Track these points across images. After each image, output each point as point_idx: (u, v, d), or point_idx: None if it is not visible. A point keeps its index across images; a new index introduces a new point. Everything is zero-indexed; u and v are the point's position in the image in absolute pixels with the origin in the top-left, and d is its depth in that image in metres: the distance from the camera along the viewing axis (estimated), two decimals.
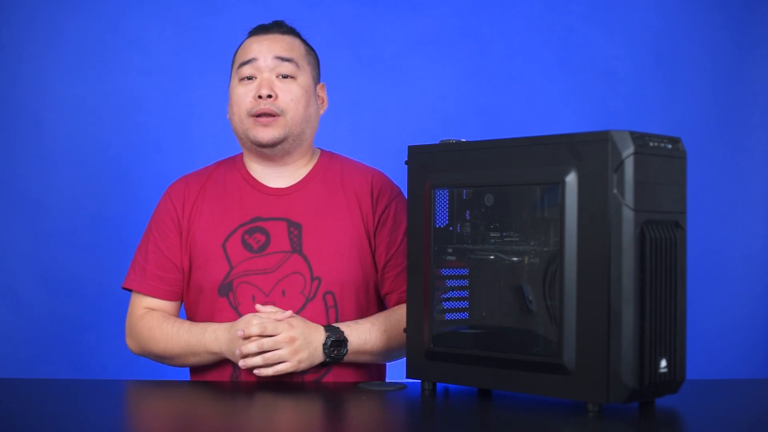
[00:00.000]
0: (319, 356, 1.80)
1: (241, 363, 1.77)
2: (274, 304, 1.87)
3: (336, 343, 1.81)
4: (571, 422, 1.45)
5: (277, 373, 1.76)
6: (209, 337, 1.84)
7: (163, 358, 1.94)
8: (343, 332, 1.83)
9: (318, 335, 1.81)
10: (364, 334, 1.86)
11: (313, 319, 1.86)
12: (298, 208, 1.95)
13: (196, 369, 1.95)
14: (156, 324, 1.91)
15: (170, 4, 3.00)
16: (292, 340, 1.76)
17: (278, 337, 1.76)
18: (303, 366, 1.78)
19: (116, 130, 2.96)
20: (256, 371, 1.77)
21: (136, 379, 2.01)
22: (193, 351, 1.87)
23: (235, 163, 2.04)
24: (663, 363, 1.46)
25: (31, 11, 2.93)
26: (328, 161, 2.04)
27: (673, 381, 1.50)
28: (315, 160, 2.03)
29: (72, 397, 1.75)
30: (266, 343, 1.75)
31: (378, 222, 1.97)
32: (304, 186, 1.99)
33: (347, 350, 1.83)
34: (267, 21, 2.06)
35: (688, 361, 1.52)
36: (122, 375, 2.70)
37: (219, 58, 2.92)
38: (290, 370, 1.77)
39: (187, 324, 1.90)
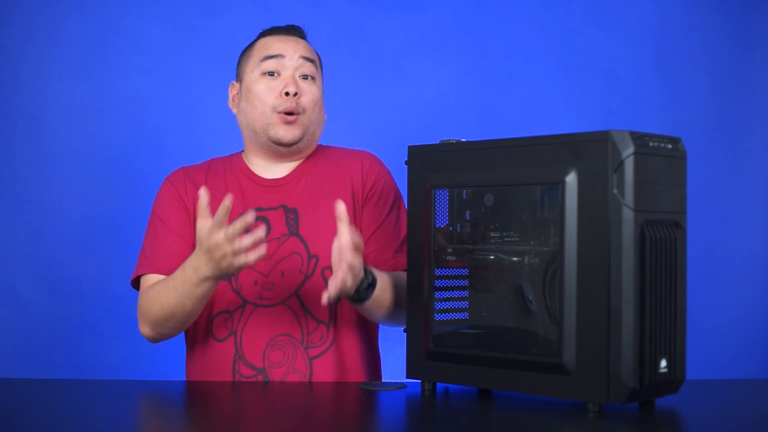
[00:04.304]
0: (352, 290, 1.73)
1: (342, 247, 1.62)
2: (273, 285, 1.88)
3: (369, 286, 1.76)
4: (571, 422, 1.45)
5: (340, 283, 1.65)
6: (189, 271, 1.75)
7: (166, 320, 1.85)
8: (376, 278, 1.78)
9: (362, 271, 1.74)
10: (383, 284, 1.82)
11: (314, 295, 1.88)
12: (294, 195, 1.98)
13: (194, 366, 1.95)
14: (148, 292, 1.87)
15: (171, 4, 3.00)
16: (361, 263, 1.70)
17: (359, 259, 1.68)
18: (345, 289, 1.70)
19: (116, 130, 2.96)
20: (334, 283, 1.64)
21: (136, 379, 2.01)
22: (183, 294, 1.78)
23: (233, 159, 2.06)
24: (663, 363, 1.46)
25: (31, 11, 2.93)
26: (319, 151, 2.07)
27: (673, 381, 1.50)
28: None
29: (72, 397, 1.75)
30: (355, 260, 1.65)
31: (365, 198, 1.99)
32: (299, 175, 2.01)
33: (373, 295, 1.79)
34: (267, 21, 2.07)
35: (688, 361, 1.52)
36: (122, 375, 2.71)
37: (219, 58, 2.93)
38: (346, 285, 1.67)
39: (170, 276, 1.84)
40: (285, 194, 1.98)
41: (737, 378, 2.78)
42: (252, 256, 1.63)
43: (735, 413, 1.59)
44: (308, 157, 2.04)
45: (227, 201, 1.61)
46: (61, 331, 2.90)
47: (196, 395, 1.78)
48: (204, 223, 1.67)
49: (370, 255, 1.98)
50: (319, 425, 1.53)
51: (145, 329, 1.92)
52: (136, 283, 1.97)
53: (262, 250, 1.62)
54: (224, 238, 1.63)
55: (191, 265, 1.75)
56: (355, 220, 1.97)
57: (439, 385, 1.71)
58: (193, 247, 1.94)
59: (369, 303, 1.79)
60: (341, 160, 2.04)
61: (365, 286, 1.75)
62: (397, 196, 2.02)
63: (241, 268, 1.67)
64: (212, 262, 1.68)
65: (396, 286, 1.88)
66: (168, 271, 1.90)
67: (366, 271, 1.76)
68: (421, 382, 1.69)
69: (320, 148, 2.08)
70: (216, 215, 1.63)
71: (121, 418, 1.60)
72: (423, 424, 1.55)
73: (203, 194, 1.66)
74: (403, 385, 1.74)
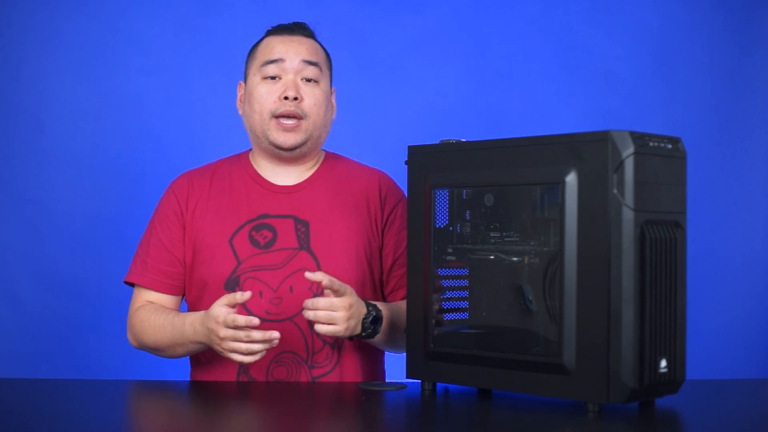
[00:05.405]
0: (358, 329, 1.79)
1: (311, 314, 1.73)
2: (281, 300, 1.88)
3: (375, 319, 1.81)
4: (571, 422, 1.45)
5: (329, 334, 1.75)
6: (188, 329, 1.82)
7: (156, 350, 1.94)
8: (381, 310, 1.83)
9: (362, 308, 1.81)
10: (387, 318, 1.86)
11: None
12: (306, 205, 1.96)
13: (199, 369, 1.96)
14: (147, 316, 1.92)
15: (170, 4, 3.00)
16: (349, 306, 1.75)
17: (337, 302, 1.74)
18: (347, 334, 1.77)
19: (116, 130, 2.95)
20: (317, 327, 1.74)
21: (136, 379, 2.01)
22: (178, 342, 1.86)
23: (240, 160, 2.04)
24: (663, 363, 1.46)
25: (31, 11, 2.93)
26: (333, 161, 2.06)
27: (673, 381, 1.50)
28: (321, 161, 2.05)
29: (72, 397, 1.75)
30: (321, 302, 1.73)
31: (386, 222, 1.99)
32: (311, 184, 2.00)
33: (381, 329, 1.83)
34: (267, 21, 2.06)
35: (688, 361, 1.52)
36: (122, 375, 2.70)
37: (219, 57, 2.93)
38: (339, 334, 1.75)
39: (172, 315, 1.89)
40: (296, 203, 1.96)
41: (737, 378, 2.78)
42: (239, 358, 1.71)
43: (735, 413, 1.59)
44: (320, 166, 2.03)
45: (247, 295, 1.70)
46: (61, 331, 2.90)
47: (196, 395, 1.78)
48: (222, 307, 1.71)
49: (392, 281, 2.00)
50: (319, 425, 1.53)
51: (132, 340, 1.99)
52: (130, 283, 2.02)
53: (258, 357, 1.72)
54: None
55: (191, 324, 1.81)
56: (365, 236, 1.96)
57: (439, 385, 1.71)
58: (181, 262, 1.95)
59: (377, 337, 1.84)
60: (357, 175, 2.03)
61: (370, 321, 1.80)
62: None
63: (215, 346, 1.76)
64: (208, 339, 1.76)
65: (398, 316, 1.88)
66: (157, 287, 1.96)
67: (369, 306, 1.81)
68: (421, 382, 1.69)
69: (332, 158, 2.07)
70: (228, 298, 1.70)
71: (121, 418, 1.61)
72: (423, 424, 1.55)
73: (247, 295, 1.71)
74: (403, 385, 1.74)
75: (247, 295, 1.70)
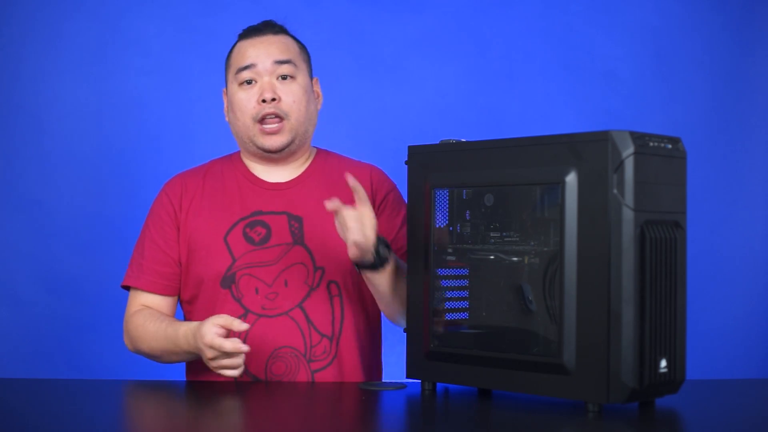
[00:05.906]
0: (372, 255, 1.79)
1: (329, 207, 1.72)
2: (277, 295, 1.88)
3: (385, 245, 1.79)
4: (571, 422, 1.45)
5: (360, 244, 1.73)
6: (182, 340, 1.83)
7: (152, 357, 1.95)
8: (388, 242, 1.83)
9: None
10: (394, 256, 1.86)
11: (319, 308, 1.90)
12: (299, 201, 1.97)
13: (198, 369, 1.96)
14: (142, 322, 1.93)
15: (170, 4, 3.00)
16: (374, 218, 1.75)
17: (364, 213, 1.73)
18: (371, 250, 1.76)
19: (116, 130, 2.96)
20: (351, 236, 1.72)
21: (135, 379, 2.01)
22: (173, 351, 1.87)
23: (232, 160, 2.05)
24: (663, 363, 1.46)
25: (31, 11, 2.93)
26: (324, 157, 2.07)
27: (673, 381, 1.50)
28: (312, 157, 2.06)
29: (72, 397, 1.75)
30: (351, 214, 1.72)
31: (377, 210, 1.99)
32: (304, 180, 2.01)
33: (390, 254, 1.81)
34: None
35: (688, 361, 1.52)
36: (122, 375, 2.70)
37: (219, 57, 2.91)
38: (368, 245, 1.74)
39: (166, 323, 1.89)
40: (288, 200, 1.97)
41: (737, 378, 2.78)
42: (228, 373, 1.74)
43: (735, 413, 1.59)
44: (311, 163, 2.04)
45: (245, 326, 1.70)
46: (61, 331, 2.90)
47: (196, 395, 1.78)
48: (213, 326, 1.72)
49: None
50: (319, 425, 1.53)
51: (128, 344, 2.00)
52: (127, 287, 2.02)
53: (239, 371, 1.74)
54: (209, 343, 1.71)
55: (185, 335, 1.82)
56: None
57: (439, 385, 1.71)
58: (177, 263, 1.95)
59: (384, 274, 1.81)
60: (349, 170, 2.02)
61: (382, 245, 1.78)
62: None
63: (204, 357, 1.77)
64: (199, 353, 1.78)
65: (400, 261, 1.88)
66: (153, 288, 1.96)
67: (378, 238, 1.79)
68: (421, 382, 1.69)
69: (323, 154, 2.07)
70: (225, 319, 1.72)
71: (121, 418, 1.61)
72: (423, 424, 1.55)
73: (245, 326, 1.72)
74: (403, 385, 1.74)
75: (245, 326, 1.71)
